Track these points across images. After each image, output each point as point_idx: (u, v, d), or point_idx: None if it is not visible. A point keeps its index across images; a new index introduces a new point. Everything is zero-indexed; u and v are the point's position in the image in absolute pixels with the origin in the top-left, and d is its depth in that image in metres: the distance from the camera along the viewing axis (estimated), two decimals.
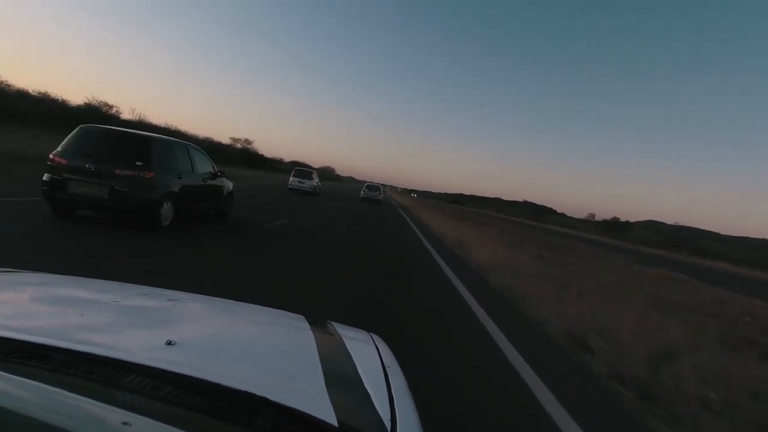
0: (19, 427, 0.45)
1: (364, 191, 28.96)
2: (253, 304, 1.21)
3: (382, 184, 55.53)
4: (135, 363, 0.62)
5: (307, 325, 1.07)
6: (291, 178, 21.61)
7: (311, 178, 21.79)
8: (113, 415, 0.51)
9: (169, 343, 0.73)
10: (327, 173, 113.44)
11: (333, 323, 1.16)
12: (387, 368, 0.89)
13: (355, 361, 0.87)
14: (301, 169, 23.76)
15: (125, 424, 0.49)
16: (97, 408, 0.52)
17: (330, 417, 0.59)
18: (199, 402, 0.57)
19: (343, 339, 1.02)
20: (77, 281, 1.17)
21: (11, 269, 1.14)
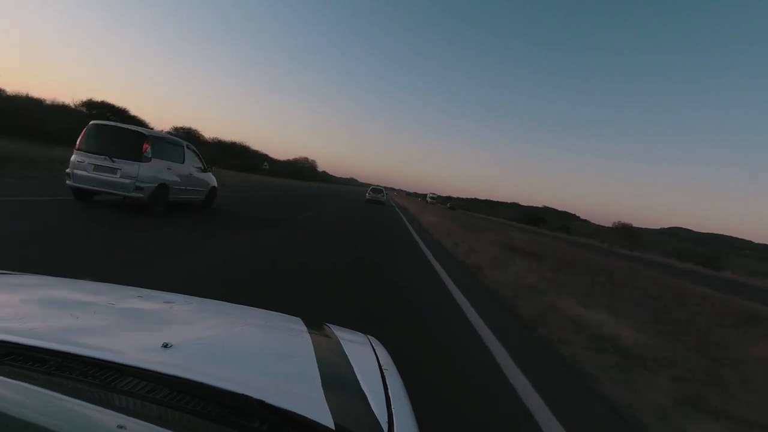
0: (13, 430, 0.45)
1: (369, 193, 32.44)
2: (251, 306, 1.21)
3: (390, 188, 54.26)
4: (130, 365, 0.62)
5: (304, 328, 1.07)
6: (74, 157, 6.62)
7: (131, 157, 6.57)
8: (108, 418, 0.51)
9: (165, 345, 0.73)
10: (297, 167, 71.64)
11: (330, 325, 1.16)
12: (384, 370, 0.89)
13: (352, 364, 0.87)
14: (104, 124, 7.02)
15: (120, 427, 0.49)
16: (92, 411, 0.52)
17: (327, 419, 0.59)
18: (195, 405, 0.57)
19: (341, 341, 1.02)
20: (72, 283, 1.16)
21: (5, 271, 1.14)
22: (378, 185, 37.98)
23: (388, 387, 0.80)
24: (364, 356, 0.97)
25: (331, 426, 0.58)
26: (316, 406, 0.62)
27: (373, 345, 1.07)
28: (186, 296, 1.16)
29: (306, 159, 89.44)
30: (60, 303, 0.98)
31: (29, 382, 0.55)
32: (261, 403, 0.58)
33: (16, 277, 1.11)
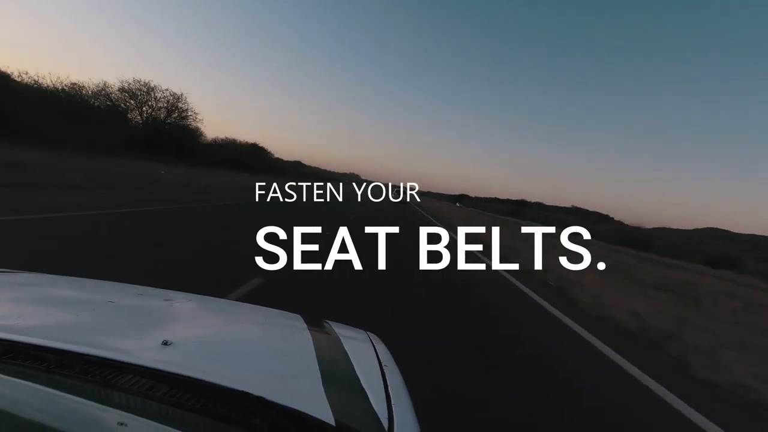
0: (13, 428, 0.45)
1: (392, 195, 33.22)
2: (250, 304, 1.22)
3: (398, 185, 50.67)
4: (131, 363, 0.63)
5: (304, 325, 1.08)
6: None
7: None
8: (109, 415, 0.51)
9: (165, 343, 0.73)
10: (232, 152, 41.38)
11: (330, 322, 1.17)
12: (384, 367, 0.89)
13: (352, 360, 0.87)
14: None
15: (121, 424, 0.49)
16: (93, 408, 0.52)
17: (327, 416, 0.59)
18: (195, 402, 0.57)
19: (340, 338, 1.02)
20: (72, 281, 1.16)
21: (5, 269, 1.15)
22: (397, 184, 40.05)
23: (388, 383, 0.80)
24: (364, 353, 0.97)
25: (332, 422, 0.58)
26: (316, 403, 0.62)
27: (373, 341, 1.07)
28: (186, 294, 1.17)
29: (176, 101, 33.93)
30: (59, 301, 0.98)
31: (29, 380, 0.55)
32: (261, 400, 0.58)
33: (16, 275, 1.12)
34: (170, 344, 0.73)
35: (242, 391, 0.59)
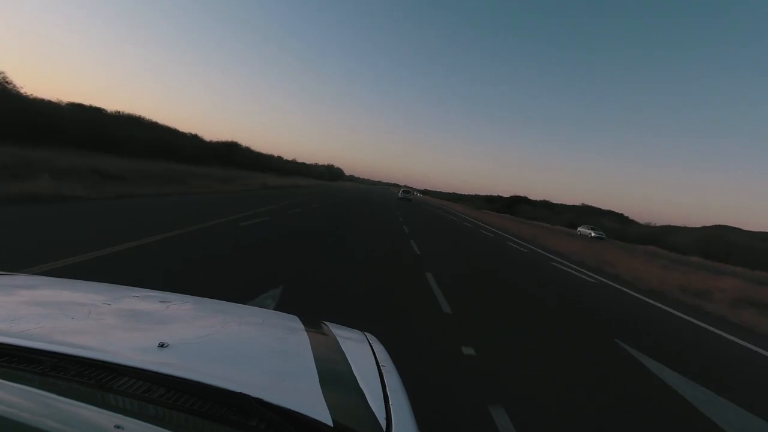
0: (9, 431, 0.45)
1: (401, 193, 41.24)
2: (247, 305, 1.22)
3: (393, 184, 55.15)
4: (127, 365, 0.62)
5: (301, 326, 1.08)
6: None
7: None
8: (105, 418, 0.51)
9: (161, 345, 0.73)
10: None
11: (327, 323, 1.17)
12: (382, 367, 0.89)
13: (349, 361, 0.87)
14: None
15: (118, 427, 0.49)
16: (89, 411, 0.52)
17: (325, 417, 0.59)
18: (193, 404, 0.57)
19: (338, 339, 1.02)
20: (67, 283, 1.16)
21: (1, 272, 1.14)
22: (408, 186, 44.19)
23: (386, 383, 0.80)
24: (362, 353, 0.97)
25: (329, 423, 0.58)
26: (314, 404, 0.62)
27: (371, 342, 1.07)
28: (182, 295, 1.17)
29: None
30: (55, 303, 0.97)
31: (25, 384, 0.55)
32: (259, 401, 0.58)
33: (11, 277, 1.12)
34: (167, 346, 0.73)
35: (240, 393, 0.59)
